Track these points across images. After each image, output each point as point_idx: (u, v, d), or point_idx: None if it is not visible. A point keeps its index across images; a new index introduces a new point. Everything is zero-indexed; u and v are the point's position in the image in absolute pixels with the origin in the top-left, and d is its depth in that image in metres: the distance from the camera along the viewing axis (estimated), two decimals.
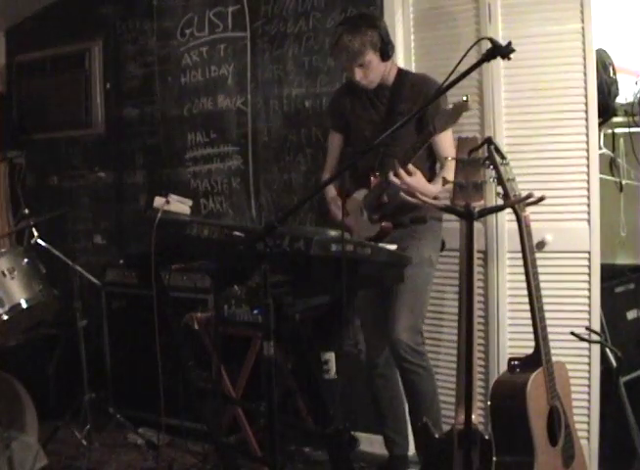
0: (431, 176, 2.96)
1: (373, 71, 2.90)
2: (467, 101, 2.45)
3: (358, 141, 3.09)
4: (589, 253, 2.96)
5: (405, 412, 3.13)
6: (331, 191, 3.13)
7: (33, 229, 3.48)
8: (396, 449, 3.16)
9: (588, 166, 2.94)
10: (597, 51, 3.03)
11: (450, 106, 2.52)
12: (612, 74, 3.28)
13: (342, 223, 2.59)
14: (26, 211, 3.70)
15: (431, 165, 3.02)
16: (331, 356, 3.58)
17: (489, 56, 2.04)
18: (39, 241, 3.49)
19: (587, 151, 2.94)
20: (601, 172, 3.02)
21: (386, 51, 2.88)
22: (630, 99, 3.42)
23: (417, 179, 2.73)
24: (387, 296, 2.95)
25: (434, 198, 2.75)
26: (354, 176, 3.07)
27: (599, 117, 2.96)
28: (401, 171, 2.70)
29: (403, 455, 3.17)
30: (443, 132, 2.82)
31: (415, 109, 2.81)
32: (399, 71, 3.01)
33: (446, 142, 2.89)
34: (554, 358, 2.24)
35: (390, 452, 3.18)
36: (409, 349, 2.86)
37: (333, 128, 3.21)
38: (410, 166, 2.71)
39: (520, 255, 2.26)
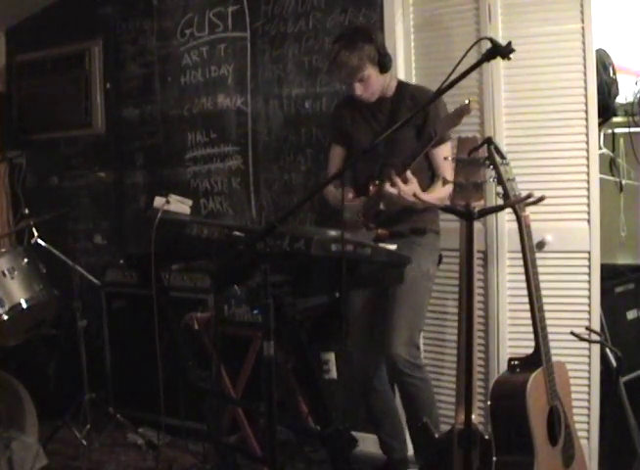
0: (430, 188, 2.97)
1: (372, 85, 2.89)
2: (469, 104, 2.44)
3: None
4: (589, 253, 2.96)
5: (400, 418, 3.13)
6: (332, 191, 3.13)
7: (33, 229, 3.48)
8: (395, 454, 3.15)
9: (588, 166, 2.94)
10: (597, 51, 3.03)
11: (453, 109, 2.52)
12: (612, 74, 3.28)
13: (341, 223, 2.59)
14: (26, 211, 3.71)
15: (432, 175, 3.02)
16: (331, 356, 3.57)
17: (489, 56, 2.05)
18: (39, 241, 3.49)
19: (587, 151, 2.94)
20: (601, 172, 3.02)
21: (384, 63, 2.87)
22: (630, 99, 3.41)
23: (412, 187, 2.73)
24: (382, 309, 2.94)
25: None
26: (355, 186, 3.06)
27: (599, 117, 2.96)
28: (397, 180, 2.70)
29: (402, 458, 3.17)
30: (442, 145, 2.84)
31: (416, 119, 2.80)
32: (399, 84, 3.01)
33: (444, 155, 2.89)
34: (554, 358, 2.24)
35: (389, 456, 3.17)
36: (407, 363, 2.84)
37: (334, 141, 3.19)
38: (408, 174, 2.71)
39: (520, 255, 2.26)
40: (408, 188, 2.72)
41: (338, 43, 2.88)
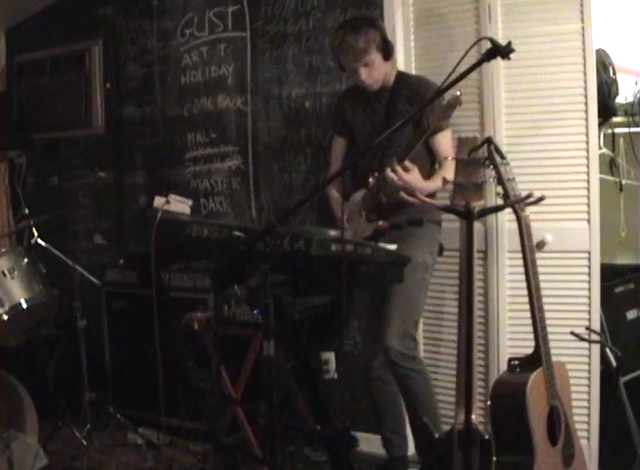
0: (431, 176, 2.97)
1: (377, 71, 2.91)
2: (460, 96, 2.47)
3: (361, 144, 3.10)
4: (589, 253, 2.96)
5: (403, 413, 3.13)
6: (334, 194, 3.14)
7: (33, 229, 3.48)
8: (395, 450, 3.16)
9: (588, 166, 2.94)
10: (597, 51, 3.03)
11: (444, 102, 2.54)
12: (612, 74, 3.28)
13: (342, 223, 2.59)
14: (26, 211, 3.71)
15: (432, 165, 3.03)
16: (331, 356, 3.58)
17: (489, 56, 2.05)
18: (39, 241, 3.49)
19: (587, 151, 2.94)
20: (601, 172, 3.02)
21: (387, 50, 2.89)
22: (630, 99, 3.42)
23: (413, 175, 2.74)
24: (381, 300, 2.94)
25: (431, 195, 2.76)
26: (355, 177, 3.07)
27: (599, 117, 2.96)
28: (398, 167, 2.70)
29: (402, 456, 3.17)
30: (441, 132, 2.86)
31: (413, 110, 2.82)
32: (399, 74, 3.02)
33: (445, 142, 2.90)
34: (554, 358, 2.24)
35: (390, 453, 3.18)
36: (400, 354, 2.84)
37: (336, 133, 3.21)
38: (407, 163, 2.72)
39: (520, 255, 2.26)
40: (408, 175, 2.71)
41: (343, 29, 2.90)
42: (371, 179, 2.88)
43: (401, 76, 3.01)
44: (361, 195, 2.98)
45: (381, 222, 2.92)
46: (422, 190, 2.68)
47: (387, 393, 3.12)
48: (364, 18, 3.01)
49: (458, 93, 2.48)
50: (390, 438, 3.16)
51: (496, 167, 2.16)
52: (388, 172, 2.72)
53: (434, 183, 2.85)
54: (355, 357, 3.46)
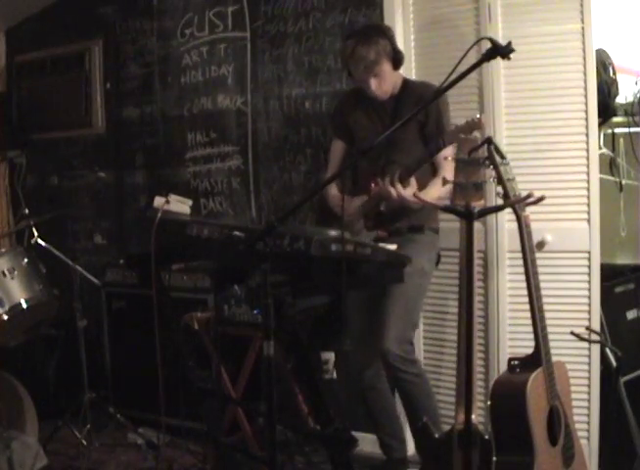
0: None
1: (386, 81, 2.90)
2: (480, 119, 2.46)
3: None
4: (589, 253, 2.96)
5: (400, 417, 3.13)
6: (332, 189, 3.12)
7: (33, 229, 3.48)
8: (394, 453, 3.15)
9: (588, 166, 2.94)
10: (597, 51, 3.03)
11: (463, 121, 2.52)
12: (612, 74, 3.28)
13: (341, 223, 2.59)
14: (26, 211, 3.71)
15: (433, 170, 3.01)
16: (331, 356, 3.58)
17: (489, 56, 2.05)
18: (39, 241, 3.49)
19: (587, 151, 2.94)
20: (601, 172, 3.02)
21: (397, 59, 2.89)
22: (630, 99, 3.42)
23: (411, 191, 2.73)
24: (376, 306, 2.94)
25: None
26: (356, 182, 3.06)
27: (599, 116, 2.96)
28: (398, 185, 2.72)
29: (402, 458, 3.16)
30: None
31: (419, 117, 2.81)
32: (404, 81, 3.01)
33: (444, 153, 2.87)
34: (554, 358, 2.24)
35: (388, 456, 3.17)
36: (400, 358, 2.84)
37: (336, 136, 3.19)
38: (411, 179, 2.73)
39: (520, 255, 2.26)
40: (406, 192, 2.72)
41: (352, 39, 2.88)
42: (373, 186, 2.87)
43: (407, 84, 3.00)
44: (360, 201, 2.97)
45: (379, 232, 2.92)
46: (417, 204, 2.69)
47: (381, 400, 3.12)
48: (375, 27, 2.99)
49: (477, 116, 2.47)
50: (389, 442, 3.15)
51: (496, 167, 2.15)
52: (387, 185, 2.73)
53: (431, 195, 2.79)
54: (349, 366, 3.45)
